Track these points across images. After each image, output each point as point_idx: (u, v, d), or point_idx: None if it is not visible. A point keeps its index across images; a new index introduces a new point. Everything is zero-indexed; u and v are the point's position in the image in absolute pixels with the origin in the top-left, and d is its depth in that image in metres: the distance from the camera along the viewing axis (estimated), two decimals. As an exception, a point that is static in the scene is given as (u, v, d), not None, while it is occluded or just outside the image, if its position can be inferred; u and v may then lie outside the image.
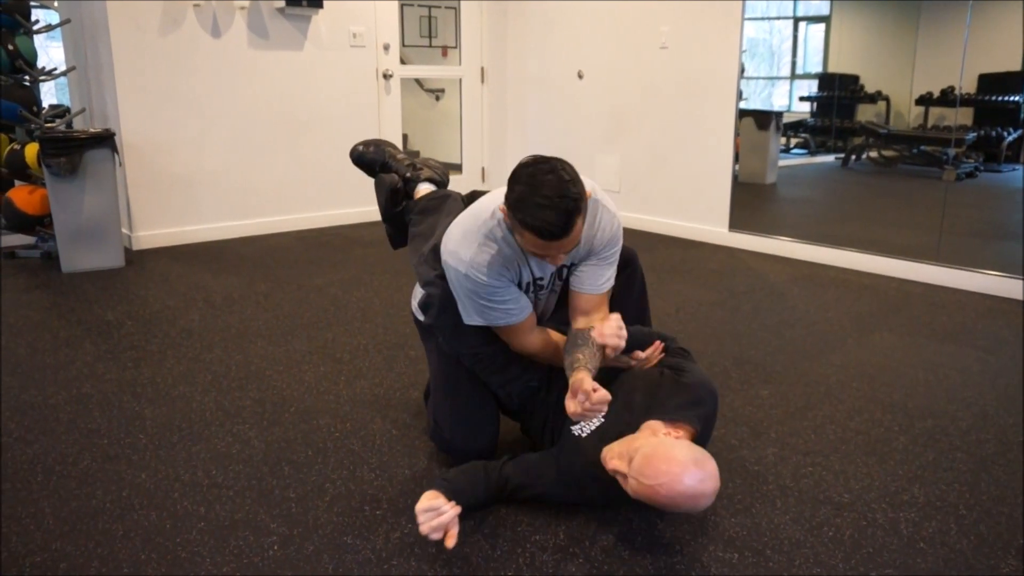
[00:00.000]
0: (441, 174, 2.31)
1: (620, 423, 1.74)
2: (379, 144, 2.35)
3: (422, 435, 2.17)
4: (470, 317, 1.83)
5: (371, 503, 1.84)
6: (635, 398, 1.79)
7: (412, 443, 2.15)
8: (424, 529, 1.55)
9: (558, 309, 2.04)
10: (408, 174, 2.26)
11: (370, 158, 2.31)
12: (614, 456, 1.63)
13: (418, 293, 2.03)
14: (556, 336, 1.92)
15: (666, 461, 1.52)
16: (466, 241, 1.77)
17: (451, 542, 1.57)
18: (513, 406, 1.99)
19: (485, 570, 1.59)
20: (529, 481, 1.79)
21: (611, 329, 1.78)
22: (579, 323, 1.88)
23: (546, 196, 1.57)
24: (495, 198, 1.80)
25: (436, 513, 1.56)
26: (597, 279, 1.88)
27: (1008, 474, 2.00)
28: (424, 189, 2.25)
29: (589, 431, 1.78)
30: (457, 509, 1.59)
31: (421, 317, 2.00)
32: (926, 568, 1.61)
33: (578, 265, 1.89)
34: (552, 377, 1.94)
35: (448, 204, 2.15)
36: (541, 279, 1.90)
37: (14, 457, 2.07)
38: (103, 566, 1.60)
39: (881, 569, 1.60)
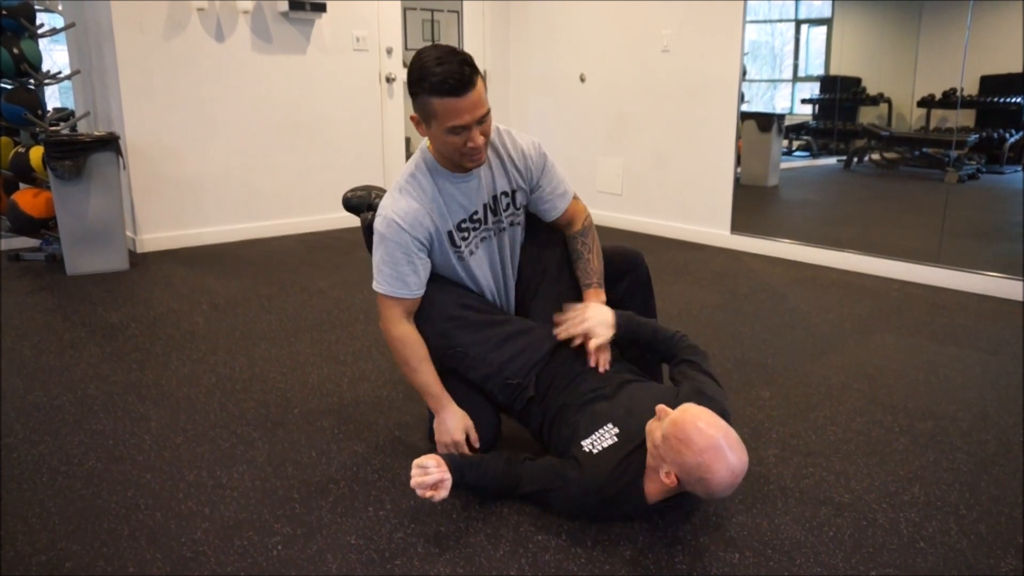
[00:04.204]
0: None
1: (634, 440, 1.73)
2: (367, 188, 2.47)
3: (425, 436, 2.18)
4: (374, 278, 1.94)
5: (374, 504, 1.85)
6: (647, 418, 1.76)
7: (415, 444, 2.16)
8: (412, 483, 1.69)
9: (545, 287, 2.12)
10: None
11: (356, 202, 2.43)
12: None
13: None
14: (421, 350, 1.96)
15: (719, 427, 1.59)
16: (389, 194, 1.96)
17: (429, 494, 1.68)
18: (501, 404, 1.99)
19: (488, 570, 1.60)
20: (538, 488, 1.79)
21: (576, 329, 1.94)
22: (568, 231, 2.12)
23: (437, 57, 1.73)
24: (414, 155, 1.99)
25: (424, 471, 1.69)
26: (555, 199, 2.08)
27: (1008, 474, 2.01)
28: None
29: (601, 448, 1.76)
30: (447, 476, 1.70)
31: None
32: (926, 568, 1.62)
33: (526, 192, 2.06)
34: (545, 380, 1.94)
35: None
36: (476, 213, 1.98)
37: (20, 458, 2.08)
38: (108, 566, 1.62)
39: (881, 569, 1.61)
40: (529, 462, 1.83)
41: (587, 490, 1.72)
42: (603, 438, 1.78)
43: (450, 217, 1.95)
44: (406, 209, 1.89)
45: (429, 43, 6.17)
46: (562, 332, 1.94)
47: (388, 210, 1.90)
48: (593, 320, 1.93)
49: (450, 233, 1.96)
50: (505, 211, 2.03)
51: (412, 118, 1.85)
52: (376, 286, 1.94)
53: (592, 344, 1.91)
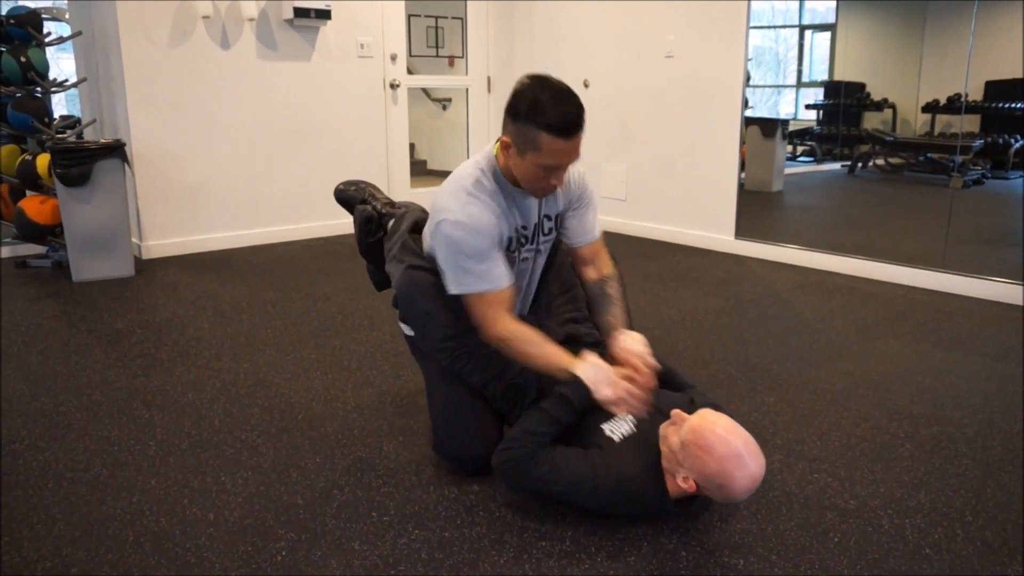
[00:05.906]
0: (419, 213, 2.34)
1: (653, 433, 1.74)
2: (360, 184, 2.49)
3: (429, 442, 2.19)
4: (450, 284, 1.87)
5: (378, 509, 1.85)
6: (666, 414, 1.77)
7: (419, 450, 2.16)
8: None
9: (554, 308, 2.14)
10: (384, 210, 2.34)
11: (349, 195, 2.45)
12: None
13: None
14: (531, 332, 1.86)
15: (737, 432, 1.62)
16: (454, 197, 1.86)
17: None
18: (502, 409, 1.97)
19: (492, 575, 1.60)
20: (549, 472, 1.75)
21: (636, 348, 1.90)
22: (589, 273, 2.11)
23: (557, 94, 1.72)
24: (472, 160, 1.95)
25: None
26: (586, 227, 2.10)
27: (1014, 480, 2.00)
28: None
29: (621, 435, 1.77)
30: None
31: (408, 332, 2.08)
32: (931, 574, 1.61)
33: (563, 215, 2.06)
34: (548, 384, 1.92)
35: (410, 212, 2.27)
36: (525, 228, 2.00)
37: (26, 464, 2.09)
38: (113, 571, 1.62)
39: (887, 575, 1.61)
40: (563, 447, 1.80)
41: (621, 478, 1.70)
42: (619, 424, 1.79)
43: (511, 225, 1.95)
44: (479, 212, 1.84)
45: (433, 49, 6.19)
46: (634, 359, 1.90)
47: (459, 215, 1.82)
48: (646, 347, 1.93)
49: (509, 240, 1.96)
50: (545, 235, 2.06)
51: (503, 141, 1.83)
52: (466, 288, 1.84)
53: (651, 364, 1.88)
